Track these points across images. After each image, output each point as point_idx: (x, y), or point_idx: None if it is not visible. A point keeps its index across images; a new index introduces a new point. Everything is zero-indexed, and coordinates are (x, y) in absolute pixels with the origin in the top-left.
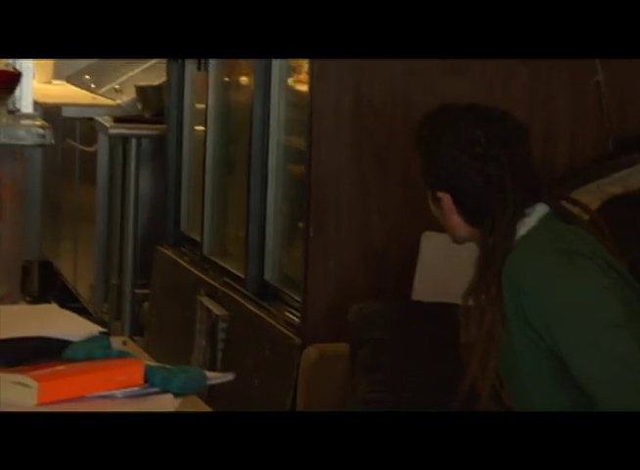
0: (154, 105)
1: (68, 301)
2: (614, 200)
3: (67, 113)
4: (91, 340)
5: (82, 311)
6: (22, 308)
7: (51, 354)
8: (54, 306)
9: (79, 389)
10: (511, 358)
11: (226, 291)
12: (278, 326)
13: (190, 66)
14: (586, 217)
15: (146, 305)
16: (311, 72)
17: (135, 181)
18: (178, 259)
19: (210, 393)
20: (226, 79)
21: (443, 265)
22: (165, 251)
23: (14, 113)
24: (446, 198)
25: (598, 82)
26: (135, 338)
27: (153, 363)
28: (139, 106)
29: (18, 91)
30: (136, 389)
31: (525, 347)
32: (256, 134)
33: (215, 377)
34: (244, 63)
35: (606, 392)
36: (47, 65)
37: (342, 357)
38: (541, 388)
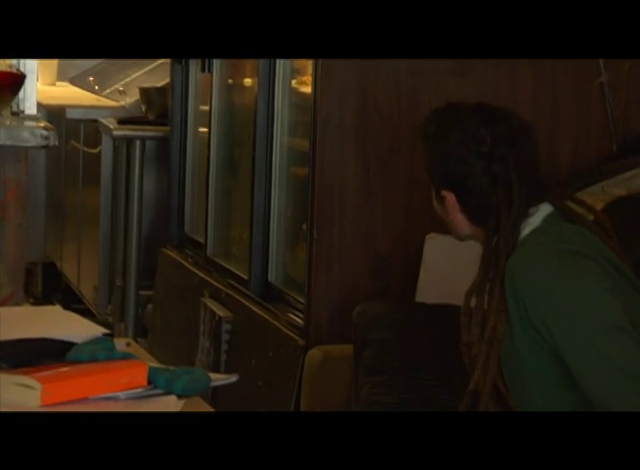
0: (158, 106)
1: (72, 302)
2: (618, 201)
3: (70, 114)
4: (95, 341)
5: (86, 313)
6: (26, 310)
7: (54, 356)
8: (58, 308)
9: (83, 390)
10: (513, 358)
11: (230, 293)
12: (282, 328)
13: (194, 67)
14: (591, 218)
15: (150, 306)
16: (315, 74)
17: (139, 183)
18: (182, 261)
19: (214, 394)
20: (230, 81)
21: (447, 267)
22: (169, 252)
23: (18, 114)
24: (450, 196)
25: (602, 84)
26: (139, 339)
27: (156, 365)
28: (143, 107)
29: (22, 93)
30: (140, 390)
31: (527, 346)
32: (260, 136)
33: (219, 378)
34: (248, 64)
35: (603, 395)
36: (51, 66)
37: (346, 359)
38: (543, 388)
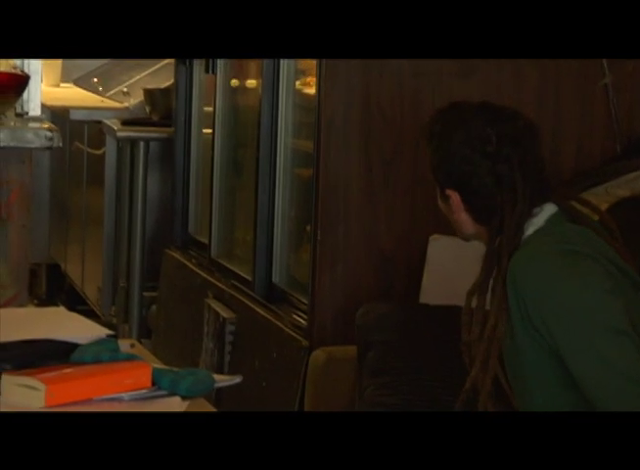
0: (162, 108)
1: (76, 303)
2: (621, 203)
3: (74, 115)
4: (99, 342)
5: (90, 314)
6: (30, 311)
7: (59, 357)
8: (62, 309)
9: (87, 391)
10: (514, 358)
11: (234, 294)
12: (285, 329)
13: (198, 68)
14: (596, 218)
15: (154, 307)
16: (319, 75)
17: (143, 184)
18: (186, 262)
19: (218, 395)
20: (234, 82)
21: (451, 268)
22: (173, 253)
23: (22, 115)
24: (455, 196)
25: (606, 85)
26: (143, 340)
27: (160, 366)
28: (147, 109)
29: (26, 94)
30: (144, 391)
31: (529, 346)
32: (264, 137)
33: (223, 380)
34: (252, 66)
35: (603, 397)
36: (55, 68)
37: (350, 360)
38: (544, 387)
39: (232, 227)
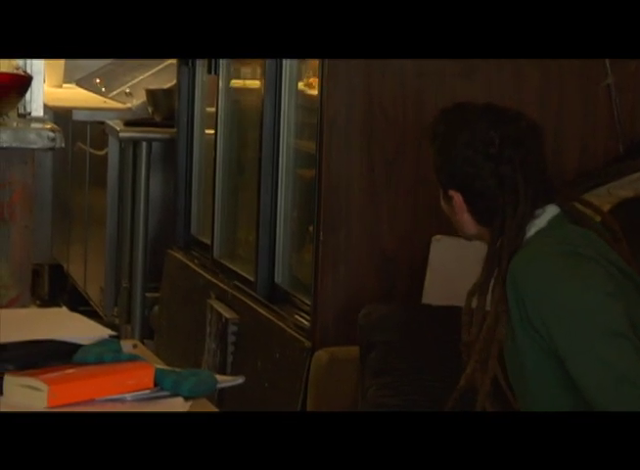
0: (164, 108)
1: (79, 304)
2: (624, 203)
3: (77, 116)
4: (101, 343)
5: (92, 315)
6: (33, 312)
7: (61, 358)
8: (64, 310)
9: (89, 392)
10: (515, 359)
11: (236, 294)
12: (288, 329)
13: (200, 69)
14: (598, 219)
15: (156, 308)
16: (321, 76)
17: (145, 185)
18: (188, 263)
19: (220, 396)
20: (236, 83)
21: (453, 269)
22: (176, 254)
23: (24, 116)
24: (457, 196)
25: (608, 85)
26: (145, 341)
27: (163, 366)
28: (149, 109)
29: (28, 95)
30: (146, 392)
31: (529, 347)
32: (267, 138)
33: (225, 380)
34: (254, 66)
35: (602, 399)
36: (58, 68)
37: (353, 361)
38: (544, 388)
39: (234, 228)
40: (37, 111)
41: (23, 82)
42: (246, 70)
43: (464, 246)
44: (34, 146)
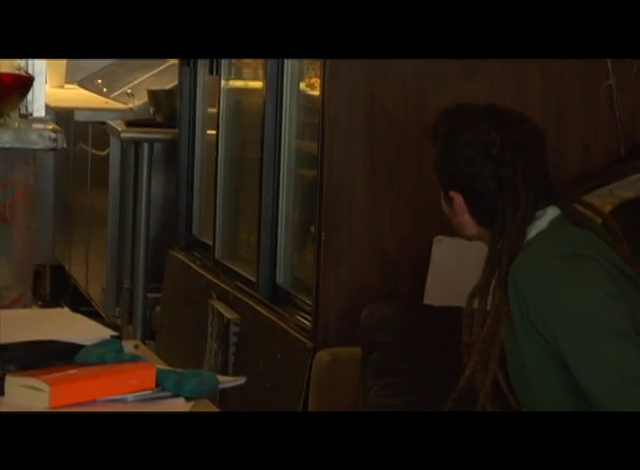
0: (166, 109)
1: (81, 304)
2: (626, 204)
3: (79, 117)
4: (103, 344)
5: (94, 315)
6: (35, 312)
7: (63, 358)
8: (66, 310)
9: (91, 393)
10: (517, 360)
11: (238, 295)
12: (290, 330)
13: (202, 70)
14: (599, 221)
15: (158, 308)
16: (323, 76)
17: (147, 185)
18: (190, 263)
19: (222, 396)
20: (238, 83)
21: (455, 269)
22: (177, 254)
23: (26, 117)
24: (458, 198)
25: (610, 86)
26: (147, 342)
27: (164, 367)
28: (151, 110)
29: (30, 95)
30: (148, 392)
31: (531, 348)
32: (268, 138)
33: (227, 381)
34: (256, 67)
35: (605, 400)
36: (59, 69)
37: (354, 361)
38: (547, 389)
39: (236, 228)
40: (39, 111)
41: (25, 83)
42: (247, 70)
43: (465, 246)
44: (36, 146)
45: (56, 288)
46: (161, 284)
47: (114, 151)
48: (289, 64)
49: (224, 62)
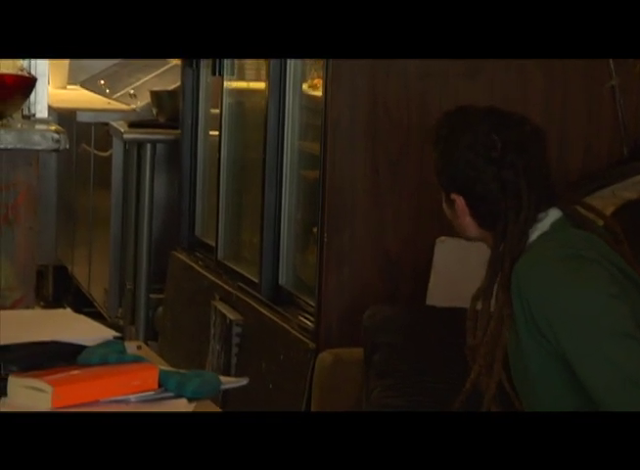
0: (168, 110)
1: (83, 305)
2: (628, 205)
3: (81, 118)
4: (105, 344)
5: (97, 316)
6: (37, 313)
7: (65, 359)
8: (68, 311)
9: (94, 393)
10: (520, 362)
11: (240, 296)
12: (292, 331)
13: (204, 70)
14: (601, 223)
15: (160, 309)
16: (325, 77)
17: (150, 186)
18: (193, 264)
19: (224, 397)
20: (241, 84)
21: (457, 270)
22: (180, 255)
23: (29, 118)
24: (460, 200)
25: (613, 87)
26: (149, 342)
27: (167, 368)
28: (154, 111)
29: (33, 96)
30: (150, 393)
31: (534, 350)
32: (271, 139)
33: (229, 382)
34: (258, 68)
35: (611, 401)
36: (62, 70)
37: (357, 362)
38: (550, 391)
39: (238, 229)
40: (42, 112)
41: (28, 84)
42: (250, 71)
43: (468, 247)
44: (39, 147)
45: (58, 289)
46: (164, 285)
47: (116, 152)
48: (291, 65)
49: (227, 63)
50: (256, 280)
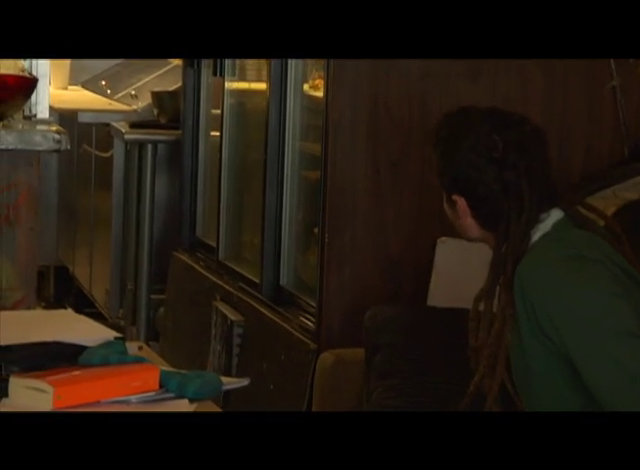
0: (169, 110)
1: (84, 306)
2: (629, 205)
3: (82, 118)
4: (107, 345)
5: (98, 316)
6: (38, 314)
7: (67, 360)
8: (70, 312)
9: (95, 394)
10: (522, 362)
11: (242, 296)
12: (293, 331)
13: (206, 71)
14: (602, 223)
15: (161, 310)
16: (327, 78)
17: (151, 186)
18: (194, 265)
19: (226, 398)
20: (242, 85)
21: (458, 271)
22: (181, 256)
23: (30, 118)
24: (461, 201)
25: (614, 87)
26: (151, 343)
27: (168, 368)
28: (155, 111)
29: (34, 97)
30: (151, 394)
31: (537, 351)
32: (272, 140)
33: (230, 382)
34: (259, 68)
35: (616, 401)
36: (63, 70)
37: (358, 363)
38: (551, 391)
39: (240, 230)
40: (43, 113)
41: (29, 84)
42: (251, 71)
43: (469, 248)
44: (40, 148)
45: (60, 289)
46: (165, 285)
47: (117, 152)
48: (292, 65)
49: (228, 63)
50: (257, 281)
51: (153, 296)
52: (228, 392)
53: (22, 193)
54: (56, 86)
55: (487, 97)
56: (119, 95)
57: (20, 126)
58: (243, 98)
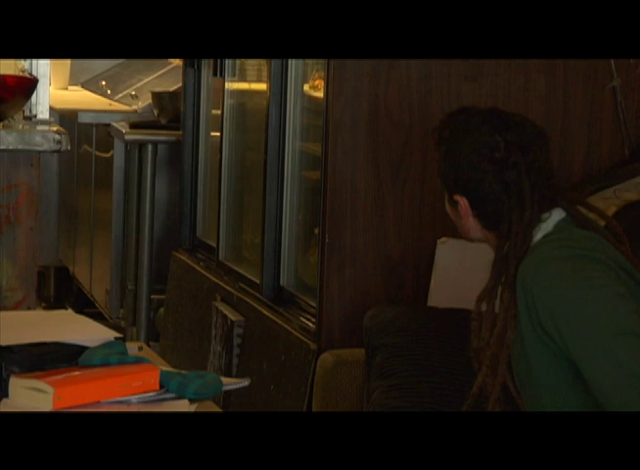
0: (170, 111)
1: (84, 306)
2: (630, 206)
3: (83, 118)
4: (107, 345)
5: (98, 317)
6: (39, 314)
7: (67, 360)
8: (70, 312)
9: (95, 394)
10: (524, 362)
11: (242, 296)
12: (294, 332)
13: (206, 71)
14: (603, 223)
15: (162, 310)
16: (327, 78)
17: (151, 187)
18: (194, 265)
19: (226, 398)
20: (242, 85)
21: (459, 271)
22: (181, 256)
23: (30, 118)
24: (463, 201)
25: (614, 88)
26: (151, 343)
27: (168, 369)
28: (155, 112)
29: (34, 97)
30: (152, 394)
31: (538, 351)
32: (272, 140)
33: (231, 383)
34: (260, 69)
35: (616, 401)
36: (63, 71)
37: (358, 363)
38: (553, 391)
39: (240, 230)
40: (43, 113)
41: (29, 85)
42: (251, 72)
43: (470, 248)
44: (40, 148)
45: (60, 290)
46: (165, 286)
47: (117, 153)
48: (293, 65)
49: (228, 63)
50: (258, 281)
51: (153, 296)
52: (228, 392)
53: (23, 193)
54: (56, 87)
55: (488, 98)
56: (120, 95)
57: (20, 127)
58: (243, 98)
